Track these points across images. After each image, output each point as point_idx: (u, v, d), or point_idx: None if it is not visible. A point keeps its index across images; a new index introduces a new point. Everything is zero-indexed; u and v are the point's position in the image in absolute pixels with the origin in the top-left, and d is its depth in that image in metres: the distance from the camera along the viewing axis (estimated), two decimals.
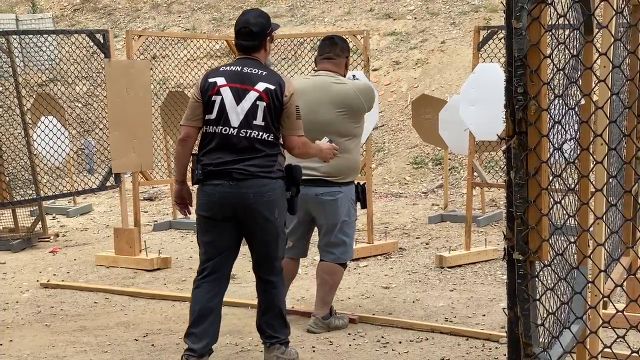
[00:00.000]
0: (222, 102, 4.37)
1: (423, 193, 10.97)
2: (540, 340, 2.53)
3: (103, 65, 7.46)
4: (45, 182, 8.63)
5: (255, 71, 4.42)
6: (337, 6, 16.32)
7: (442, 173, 10.86)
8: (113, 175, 7.61)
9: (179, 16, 17.47)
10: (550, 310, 2.58)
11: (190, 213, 4.70)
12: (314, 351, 4.94)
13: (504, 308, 5.85)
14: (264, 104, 4.37)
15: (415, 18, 15.20)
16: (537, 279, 2.45)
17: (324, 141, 4.86)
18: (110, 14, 18.15)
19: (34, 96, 8.77)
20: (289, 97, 4.43)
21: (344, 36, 8.18)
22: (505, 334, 5.08)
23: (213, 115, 4.38)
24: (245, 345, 5.07)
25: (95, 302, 6.19)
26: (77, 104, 8.67)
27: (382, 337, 5.18)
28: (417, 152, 12.20)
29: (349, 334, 5.26)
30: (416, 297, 6.08)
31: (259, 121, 4.37)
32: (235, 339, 5.18)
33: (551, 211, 2.46)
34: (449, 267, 6.88)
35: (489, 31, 7.17)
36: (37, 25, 16.31)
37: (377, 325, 5.43)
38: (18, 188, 8.74)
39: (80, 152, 11.32)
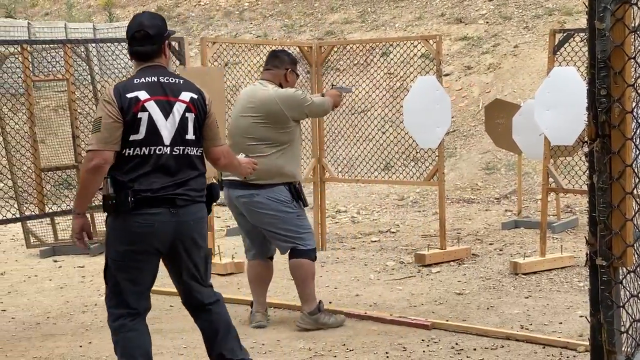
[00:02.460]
0: (150, 119, 3.88)
1: (495, 199, 10.84)
2: (623, 348, 2.48)
3: (178, 72, 7.57)
4: None
5: (173, 80, 4.00)
6: (408, 11, 16.28)
7: (515, 178, 10.72)
8: None
9: (251, 23, 17.66)
10: (635, 317, 2.53)
11: (89, 247, 4.22)
12: (387, 357, 4.92)
13: (581, 315, 5.72)
14: (193, 115, 3.98)
15: (487, 22, 15.05)
16: (621, 285, 2.40)
17: (240, 157, 4.63)
18: (184, 22, 18.44)
19: None
20: (210, 105, 4.10)
21: (414, 41, 8.21)
22: (583, 343, 4.98)
23: (141, 135, 3.87)
24: (318, 350, 5.08)
25: (170, 306, 6.28)
26: None
27: (457, 343, 5.13)
28: (490, 158, 12.08)
29: (422, 340, 5.22)
30: (490, 304, 6.01)
31: (190, 135, 3.97)
32: (308, 344, 5.19)
33: (636, 216, 2.41)
34: (523, 274, 6.78)
35: (564, 34, 7.05)
36: (113, 33, 16.69)
37: (451, 331, 5.39)
38: (96, 193, 8.92)
39: None
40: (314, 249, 5.55)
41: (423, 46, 7.82)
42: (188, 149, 3.97)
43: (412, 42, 8.23)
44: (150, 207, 3.88)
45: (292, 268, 5.53)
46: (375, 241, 8.55)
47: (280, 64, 5.56)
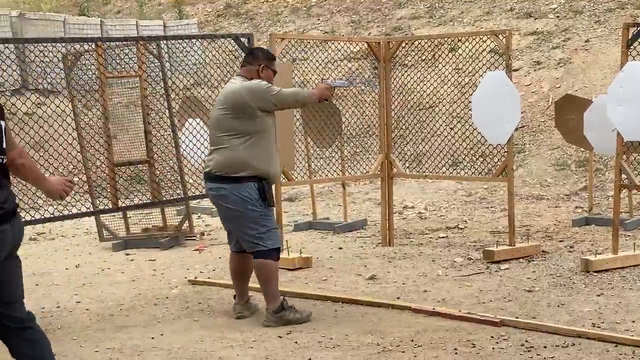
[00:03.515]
0: None
1: (565, 195, 10.69)
2: None
3: None
4: (192, 182, 8.93)
5: None
6: (477, 6, 16.12)
7: (585, 175, 10.55)
8: None
9: (318, 19, 17.70)
10: None
11: None
12: (456, 353, 4.91)
13: None
14: (4, 123, 3.74)
15: (558, 17, 14.83)
16: None
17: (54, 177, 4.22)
18: (252, 18, 18.59)
19: (182, 98, 9.09)
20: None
21: (483, 36, 8.14)
22: None
23: None
24: (386, 345, 5.09)
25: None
26: None
27: (526, 341, 5.08)
28: (559, 154, 11.90)
29: (491, 337, 5.19)
30: (561, 301, 5.94)
31: (4, 144, 3.72)
32: (376, 339, 5.21)
33: None
34: (595, 272, 6.67)
35: (638, 28, 6.91)
36: (183, 31, 16.92)
37: (520, 329, 5.34)
38: (167, 188, 9.08)
39: None
40: (276, 248, 5.62)
41: (492, 41, 7.75)
42: (4, 158, 3.76)
43: (481, 37, 8.16)
44: (4, 222, 3.66)
45: (255, 268, 5.64)
46: (443, 237, 8.52)
47: (254, 61, 5.70)
